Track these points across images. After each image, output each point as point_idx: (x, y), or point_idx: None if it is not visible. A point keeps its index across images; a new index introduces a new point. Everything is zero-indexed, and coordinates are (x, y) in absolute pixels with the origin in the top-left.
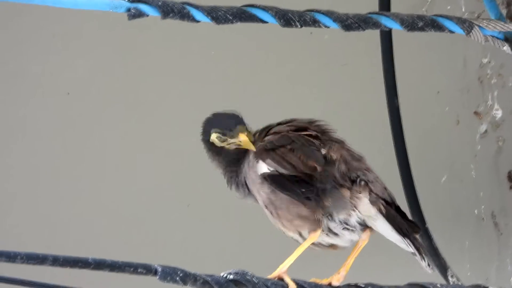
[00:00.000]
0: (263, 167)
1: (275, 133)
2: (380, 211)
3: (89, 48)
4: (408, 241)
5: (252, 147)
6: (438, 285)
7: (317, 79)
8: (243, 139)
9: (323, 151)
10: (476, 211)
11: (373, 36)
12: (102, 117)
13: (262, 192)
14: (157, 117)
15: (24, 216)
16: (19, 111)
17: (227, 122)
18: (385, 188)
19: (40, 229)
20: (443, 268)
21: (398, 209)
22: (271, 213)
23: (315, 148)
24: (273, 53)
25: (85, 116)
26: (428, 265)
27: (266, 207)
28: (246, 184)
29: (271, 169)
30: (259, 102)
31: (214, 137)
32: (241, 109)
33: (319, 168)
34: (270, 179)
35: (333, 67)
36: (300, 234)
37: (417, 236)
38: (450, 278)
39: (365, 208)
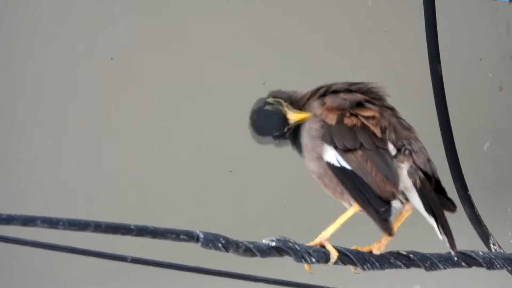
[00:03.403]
0: (331, 155)
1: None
2: (414, 184)
3: (133, 13)
4: (434, 220)
5: (307, 115)
6: (480, 253)
7: (359, 45)
8: (295, 118)
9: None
10: None
11: (416, 2)
12: (145, 81)
13: (313, 165)
14: (201, 82)
15: (65, 181)
16: (65, 77)
17: (273, 125)
18: (428, 160)
19: (81, 195)
20: (485, 236)
21: (438, 183)
22: (319, 183)
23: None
24: (317, 18)
25: (128, 81)
26: (452, 247)
27: (314, 175)
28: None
29: (344, 165)
30: (303, 67)
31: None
32: (286, 74)
33: (397, 194)
34: (341, 173)
35: (376, 33)
36: (347, 202)
37: (447, 218)
38: (492, 246)
39: (403, 178)
